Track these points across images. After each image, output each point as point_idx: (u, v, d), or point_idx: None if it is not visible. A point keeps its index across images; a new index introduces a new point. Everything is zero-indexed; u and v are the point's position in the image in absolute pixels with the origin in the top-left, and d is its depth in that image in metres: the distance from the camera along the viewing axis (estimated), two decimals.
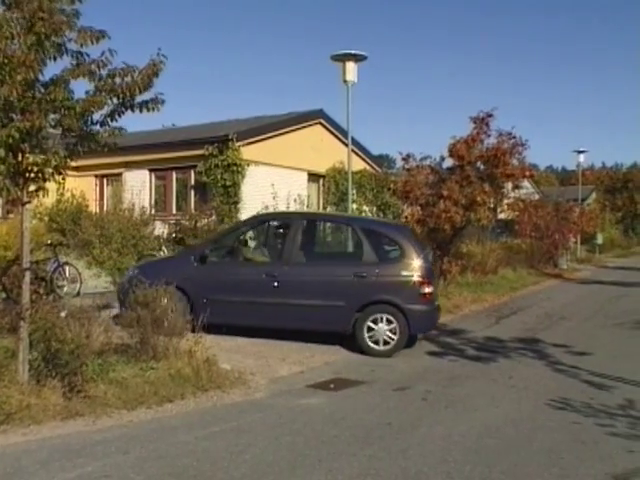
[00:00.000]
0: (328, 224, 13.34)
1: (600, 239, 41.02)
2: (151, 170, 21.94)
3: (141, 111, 7.19)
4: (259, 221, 12.67)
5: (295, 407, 7.68)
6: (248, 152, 19.50)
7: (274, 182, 19.22)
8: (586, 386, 8.67)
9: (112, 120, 7.17)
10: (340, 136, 22.11)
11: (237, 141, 19.09)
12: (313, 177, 22.68)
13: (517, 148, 17.37)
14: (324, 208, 22.95)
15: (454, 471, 5.61)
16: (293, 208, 17.72)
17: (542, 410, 7.55)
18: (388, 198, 22.00)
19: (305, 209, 18.65)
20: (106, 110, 7.10)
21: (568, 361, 10.13)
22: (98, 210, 21.82)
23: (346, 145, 16.03)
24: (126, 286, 10.19)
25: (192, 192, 20.95)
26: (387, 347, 10.47)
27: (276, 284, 10.71)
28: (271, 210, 17.06)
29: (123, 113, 7.17)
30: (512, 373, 9.38)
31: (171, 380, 7.95)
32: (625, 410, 7.46)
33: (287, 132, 21.56)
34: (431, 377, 9.19)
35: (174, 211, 21.20)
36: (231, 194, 19.29)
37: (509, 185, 18.74)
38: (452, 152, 17.22)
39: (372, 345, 10.49)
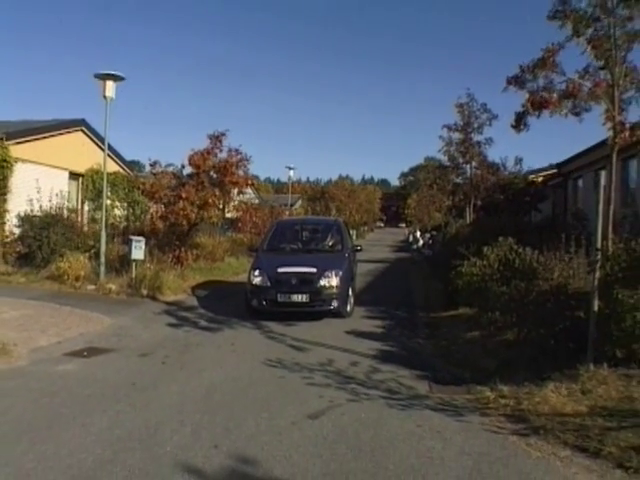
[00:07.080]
0: None
1: None
2: None
3: None
4: None
5: (53, 373, 7.28)
6: (16, 150, 17.84)
7: (39, 178, 17.84)
8: (291, 349, 9.02)
9: None
10: (99, 142, 21.03)
11: (6, 140, 17.47)
12: (74, 176, 21.28)
13: (243, 162, 17.76)
14: (82, 203, 21.77)
15: (187, 419, 5.70)
16: (55, 202, 16.81)
17: (257, 369, 7.79)
18: (137, 197, 21.41)
19: (66, 203, 17.71)
20: None
21: (279, 330, 10.40)
22: None
23: (104, 150, 15.41)
24: None
25: None
26: None
27: None
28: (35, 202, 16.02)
29: None
30: (234, 340, 9.57)
31: None
32: (323, 366, 7.86)
33: (52, 135, 19.95)
34: (169, 344, 9.15)
35: None
36: (0, 187, 17.61)
37: (235, 190, 19.19)
38: (191, 162, 17.24)
39: None
